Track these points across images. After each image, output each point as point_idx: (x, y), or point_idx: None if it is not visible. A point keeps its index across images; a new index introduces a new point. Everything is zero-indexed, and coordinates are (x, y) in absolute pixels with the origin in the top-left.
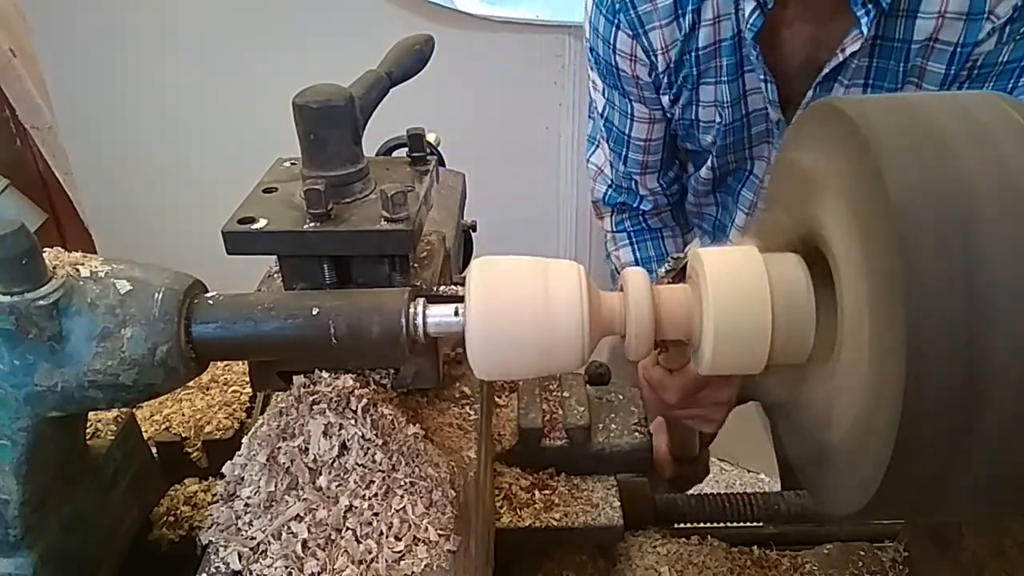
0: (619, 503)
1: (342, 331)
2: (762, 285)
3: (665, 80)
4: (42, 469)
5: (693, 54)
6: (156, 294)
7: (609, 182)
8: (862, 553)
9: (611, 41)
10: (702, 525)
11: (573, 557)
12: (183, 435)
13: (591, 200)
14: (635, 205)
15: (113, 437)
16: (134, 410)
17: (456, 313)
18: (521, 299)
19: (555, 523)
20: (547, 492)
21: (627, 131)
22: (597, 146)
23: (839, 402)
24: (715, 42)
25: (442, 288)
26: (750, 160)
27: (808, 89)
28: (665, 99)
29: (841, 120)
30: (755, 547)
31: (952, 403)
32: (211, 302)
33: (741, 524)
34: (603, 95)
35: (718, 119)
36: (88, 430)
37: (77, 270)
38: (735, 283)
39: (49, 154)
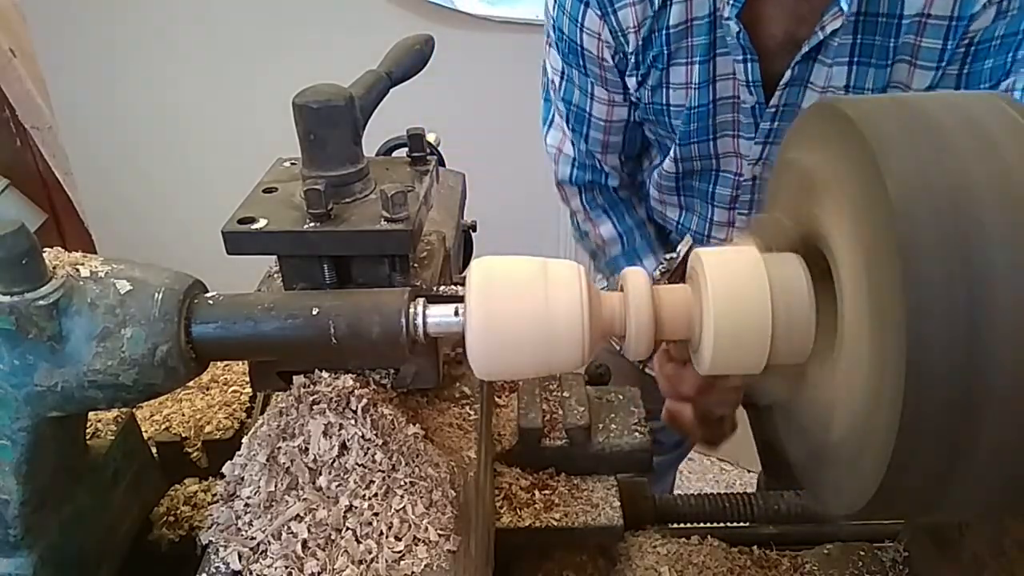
0: (619, 503)
1: (342, 331)
2: (762, 285)
3: (633, 60)
4: (42, 469)
5: (663, 33)
6: (156, 294)
7: (572, 160)
8: (862, 553)
9: (578, 19)
10: (702, 525)
11: (573, 557)
12: (183, 435)
13: (555, 182)
14: (603, 182)
15: (113, 437)
16: (134, 410)
17: (456, 313)
18: (521, 299)
19: (555, 523)
20: (547, 492)
21: (588, 110)
22: (550, 126)
23: (839, 402)
24: (687, 20)
25: (442, 288)
26: (715, 158)
27: (787, 68)
28: (632, 80)
29: (841, 120)
30: (755, 547)
31: (952, 402)
32: (211, 302)
33: (741, 524)
34: (561, 75)
35: (687, 102)
36: (88, 430)
37: (77, 270)
38: (735, 283)
39: (49, 154)
